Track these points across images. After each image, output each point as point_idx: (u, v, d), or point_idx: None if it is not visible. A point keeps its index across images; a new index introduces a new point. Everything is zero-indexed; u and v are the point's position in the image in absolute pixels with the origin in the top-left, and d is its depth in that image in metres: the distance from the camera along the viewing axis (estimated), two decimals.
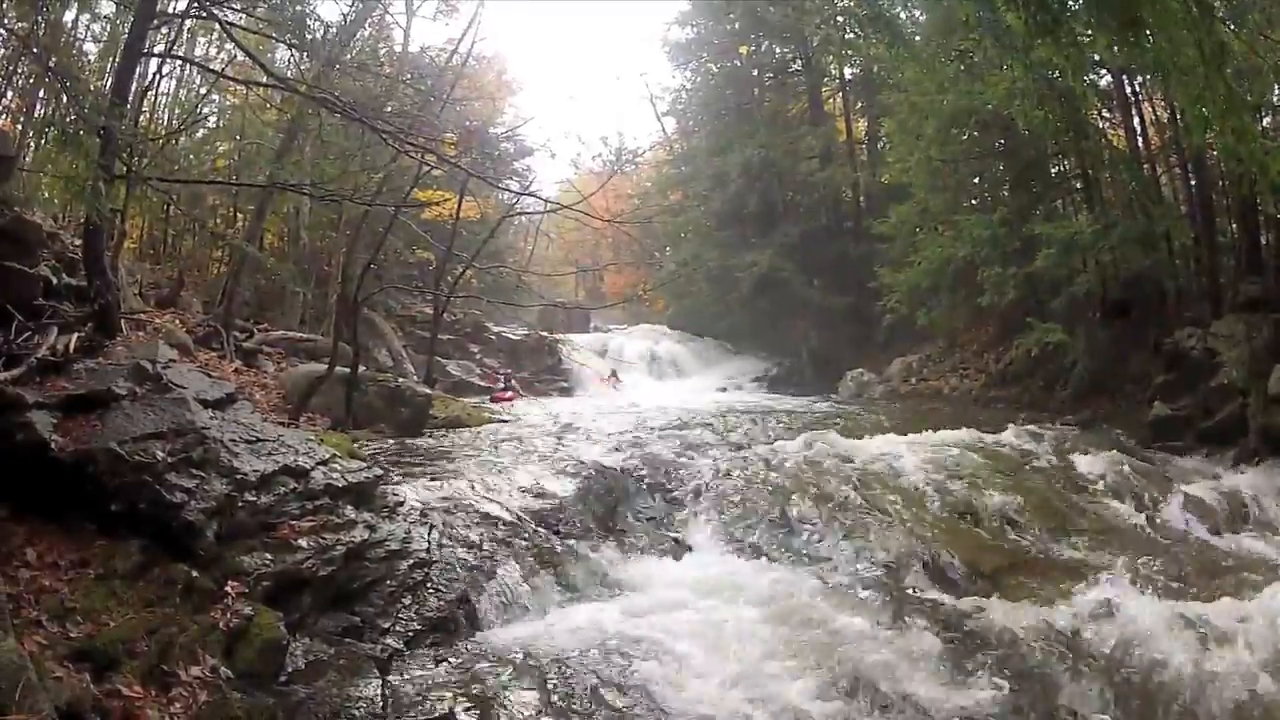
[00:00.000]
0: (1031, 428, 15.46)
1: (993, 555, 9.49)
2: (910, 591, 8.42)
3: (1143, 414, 16.45)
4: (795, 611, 7.58)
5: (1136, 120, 20.92)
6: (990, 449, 13.45)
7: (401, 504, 8.39)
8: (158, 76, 17.39)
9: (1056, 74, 14.77)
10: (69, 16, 14.60)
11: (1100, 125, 22.17)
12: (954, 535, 9.84)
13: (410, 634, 6.54)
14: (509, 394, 24.84)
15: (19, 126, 14.40)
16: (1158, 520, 11.19)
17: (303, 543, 6.80)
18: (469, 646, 6.62)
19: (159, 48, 14.63)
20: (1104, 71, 19.33)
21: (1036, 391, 21.42)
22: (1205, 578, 8.97)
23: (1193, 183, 19.24)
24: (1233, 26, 10.78)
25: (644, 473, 11.45)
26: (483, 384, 26.17)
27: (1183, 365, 16.03)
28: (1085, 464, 12.95)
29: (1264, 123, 16.47)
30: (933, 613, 7.75)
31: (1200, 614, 7.36)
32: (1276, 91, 15.22)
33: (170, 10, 13.62)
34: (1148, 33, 8.03)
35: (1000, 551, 9.68)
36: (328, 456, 8.18)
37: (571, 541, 8.94)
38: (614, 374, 30.39)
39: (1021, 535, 10.29)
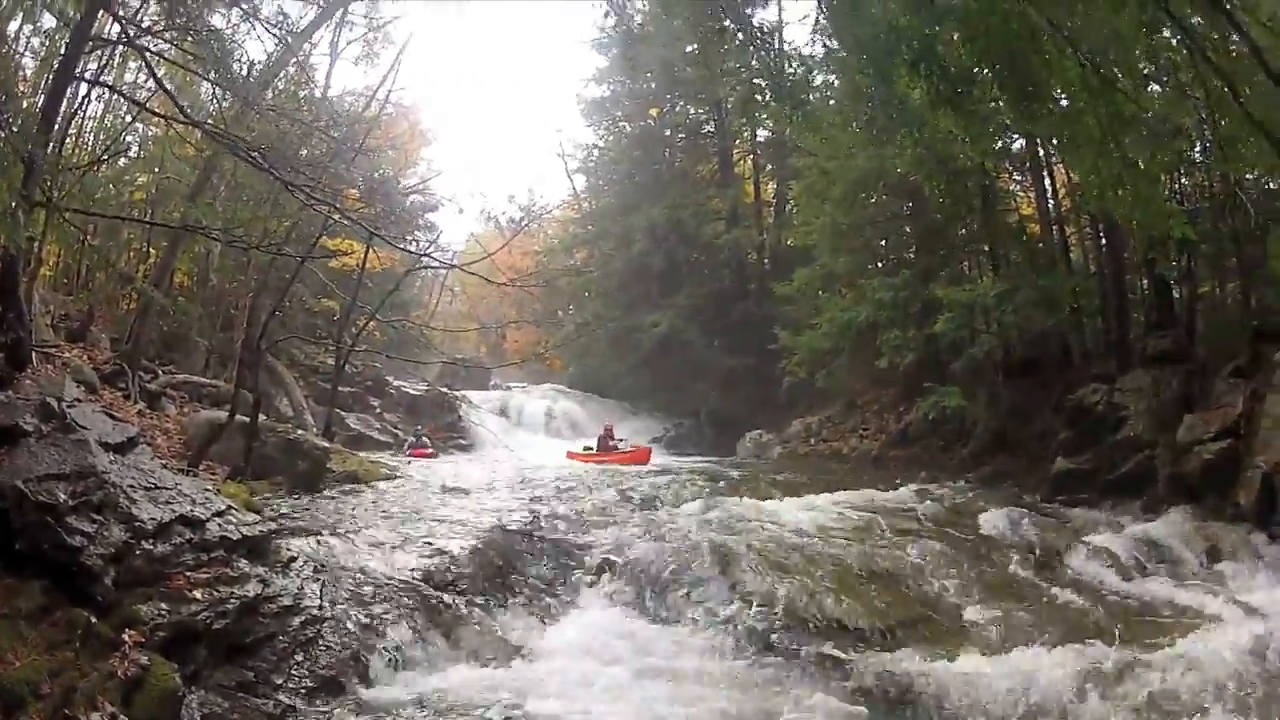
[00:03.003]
0: (930, 486, 15.90)
1: (891, 612, 9.49)
2: (806, 649, 8.47)
3: (1045, 470, 16.84)
4: (689, 672, 7.73)
5: (1048, 181, 21.53)
6: (888, 507, 13.66)
7: (295, 559, 8.37)
8: (86, 101, 17.25)
9: (967, 139, 15.19)
10: (12, 27, 14.41)
11: (1010, 188, 22.99)
12: (851, 593, 9.82)
13: (303, 691, 6.57)
14: (427, 450, 24.79)
15: None
16: (1062, 571, 11.32)
17: (198, 594, 6.77)
18: (361, 705, 6.65)
19: (88, 72, 14.53)
20: (1015, 135, 19.72)
21: (936, 451, 21.84)
22: (1114, 626, 9.14)
23: (1104, 242, 19.95)
24: (1158, 88, 11.08)
25: (538, 533, 11.45)
26: (382, 439, 26.02)
27: (1086, 421, 16.58)
28: (986, 520, 13.13)
29: (1181, 181, 17.40)
30: (829, 669, 7.93)
31: (1109, 662, 7.59)
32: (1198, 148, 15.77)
33: (105, 35, 13.46)
34: (1050, 105, 8.33)
35: (898, 608, 9.68)
36: (224, 508, 8.13)
37: (464, 602, 8.94)
38: (607, 435, 26.91)
39: (920, 592, 10.34)
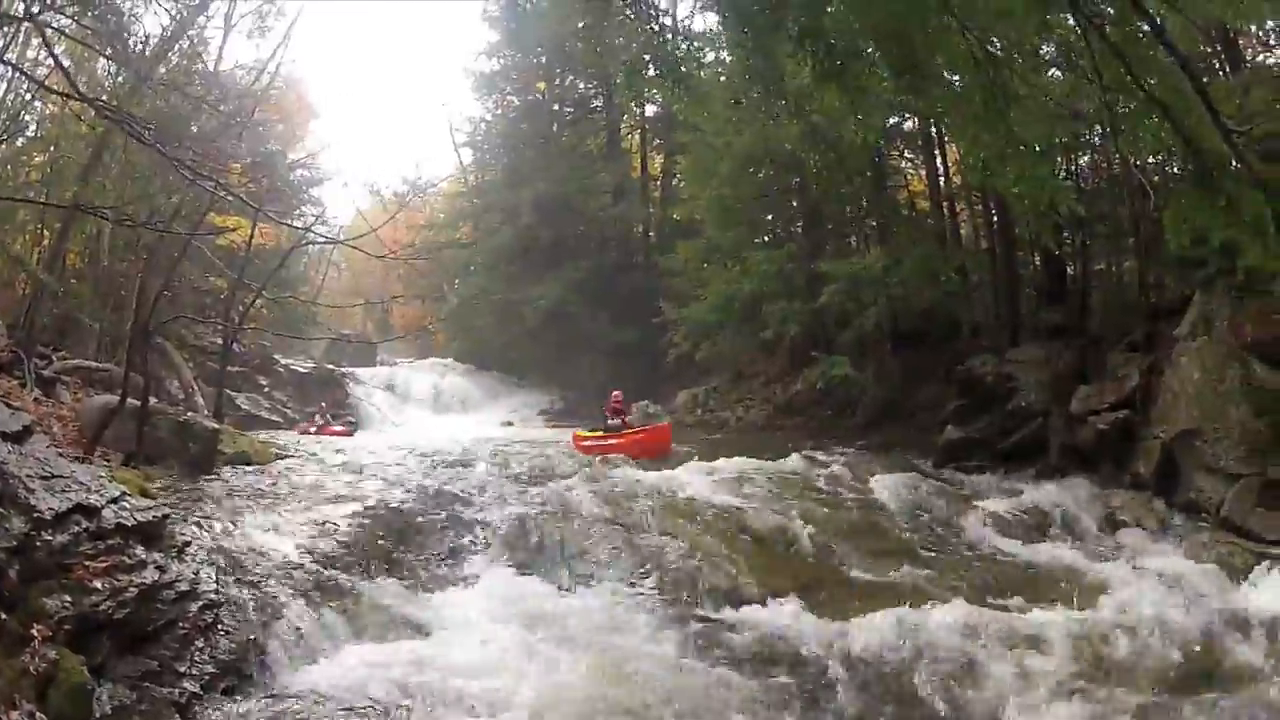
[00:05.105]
0: (820, 454, 16.12)
1: (785, 576, 9.83)
2: (702, 613, 8.82)
3: (935, 438, 17.22)
4: (586, 639, 7.97)
5: (938, 158, 22.21)
6: (780, 474, 13.97)
7: (189, 543, 8.42)
8: None
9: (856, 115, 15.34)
10: None
11: (900, 165, 23.58)
12: (746, 558, 10.16)
13: (206, 677, 6.62)
14: (337, 428, 24.56)
15: None
16: (956, 535, 11.70)
17: (98, 584, 6.71)
18: (262, 689, 6.77)
19: None
20: (906, 113, 20.17)
21: (825, 419, 22.31)
22: (1011, 588, 9.56)
23: (994, 218, 20.37)
24: (1060, 72, 11.37)
25: (430, 507, 11.65)
26: (272, 418, 25.72)
27: (977, 390, 17.02)
28: (878, 485, 13.49)
29: (1079, 162, 17.88)
30: (726, 634, 8.23)
31: (1009, 623, 8.02)
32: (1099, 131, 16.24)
33: (11, 12, 13.13)
34: (936, 81, 8.42)
35: (793, 572, 10.04)
36: (118, 494, 8.04)
37: (359, 579, 9.10)
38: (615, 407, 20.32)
39: (816, 556, 10.68)
